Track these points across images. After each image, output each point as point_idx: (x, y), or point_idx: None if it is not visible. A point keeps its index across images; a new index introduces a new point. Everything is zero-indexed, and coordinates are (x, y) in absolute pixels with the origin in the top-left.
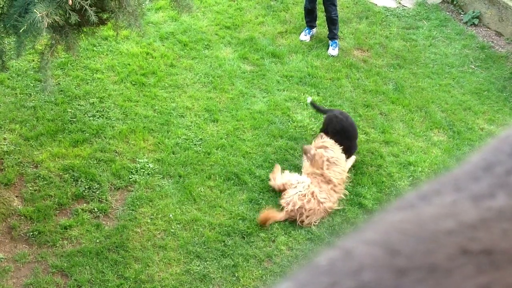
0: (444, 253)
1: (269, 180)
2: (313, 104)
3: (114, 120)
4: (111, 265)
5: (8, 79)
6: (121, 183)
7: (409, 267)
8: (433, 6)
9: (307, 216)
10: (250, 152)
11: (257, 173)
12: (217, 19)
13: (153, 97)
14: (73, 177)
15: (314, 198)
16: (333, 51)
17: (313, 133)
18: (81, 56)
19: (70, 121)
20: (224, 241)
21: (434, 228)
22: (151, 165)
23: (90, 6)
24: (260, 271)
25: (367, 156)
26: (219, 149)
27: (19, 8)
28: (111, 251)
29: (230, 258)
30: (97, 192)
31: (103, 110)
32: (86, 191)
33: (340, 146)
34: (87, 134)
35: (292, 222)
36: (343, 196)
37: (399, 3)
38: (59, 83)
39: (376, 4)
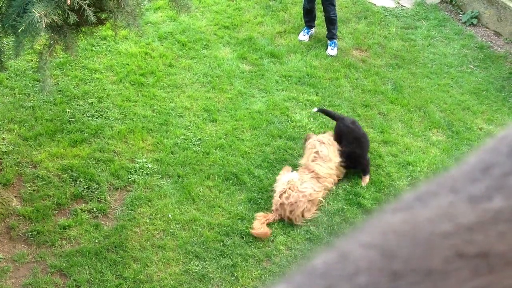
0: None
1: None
2: (322, 110)
3: (113, 120)
4: (110, 265)
5: (7, 79)
6: (120, 183)
7: (405, 270)
8: (432, 6)
9: (290, 211)
10: (249, 152)
11: (256, 173)
12: (216, 19)
13: (152, 97)
14: (72, 177)
15: (294, 191)
16: (331, 51)
17: (311, 133)
18: (80, 56)
19: (69, 121)
20: (223, 241)
21: (430, 230)
22: (150, 165)
23: (89, 6)
24: (259, 271)
25: None
26: (218, 149)
27: (17, 8)
28: (110, 251)
29: (229, 258)
30: (96, 192)
31: (101, 110)
32: (85, 191)
33: (352, 155)
34: (85, 134)
35: (290, 221)
36: (329, 187)
37: (398, 3)
38: (57, 83)
39: (375, 4)
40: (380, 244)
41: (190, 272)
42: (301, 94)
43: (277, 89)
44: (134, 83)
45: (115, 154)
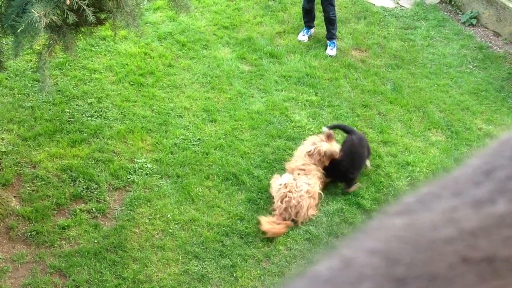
0: (444, 261)
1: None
2: (335, 126)
3: (112, 120)
4: (109, 265)
5: (6, 79)
6: (119, 183)
7: (409, 277)
8: (431, 6)
9: (296, 213)
10: (248, 152)
11: (256, 173)
12: (215, 19)
13: (151, 97)
14: (71, 177)
15: (294, 193)
16: (331, 51)
17: (311, 133)
18: (79, 56)
19: (68, 121)
20: (222, 241)
21: (434, 236)
22: (149, 165)
23: (88, 6)
24: (258, 271)
25: None
26: (217, 149)
27: (16, 8)
28: (109, 251)
29: (229, 258)
30: (95, 192)
31: (101, 110)
32: (84, 191)
33: (341, 167)
34: (85, 134)
35: (294, 222)
36: (320, 175)
37: (397, 3)
38: (57, 83)
39: (374, 4)
40: (384, 250)
41: (190, 272)
42: (300, 94)
43: (276, 89)
44: (133, 83)
45: (114, 154)
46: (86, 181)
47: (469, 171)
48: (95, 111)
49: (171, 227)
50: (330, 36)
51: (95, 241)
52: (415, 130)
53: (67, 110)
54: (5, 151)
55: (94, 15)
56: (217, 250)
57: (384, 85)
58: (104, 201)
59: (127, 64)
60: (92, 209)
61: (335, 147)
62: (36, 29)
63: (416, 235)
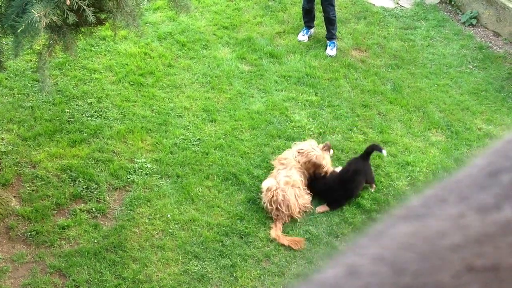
0: (450, 270)
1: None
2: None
3: (112, 120)
4: (109, 265)
5: (6, 79)
6: (119, 183)
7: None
8: (431, 7)
9: (287, 207)
10: (248, 152)
11: (255, 173)
12: (215, 19)
13: (151, 97)
14: (71, 177)
15: (278, 189)
16: (331, 51)
17: (311, 133)
18: (79, 56)
19: (68, 121)
20: (222, 241)
21: (440, 243)
22: (149, 165)
23: (88, 6)
24: (258, 271)
25: None
26: (217, 149)
27: (17, 8)
28: (109, 251)
29: (228, 258)
30: (95, 192)
31: (101, 110)
32: (84, 191)
33: (335, 185)
34: (85, 134)
35: (290, 221)
36: (298, 165)
37: (397, 3)
38: (57, 83)
39: (374, 5)
40: (389, 258)
41: (189, 272)
42: (300, 94)
43: (276, 89)
44: (133, 83)
45: (114, 154)
46: (86, 181)
47: (474, 172)
48: (95, 111)
49: (171, 227)
50: (330, 36)
51: (95, 241)
52: (415, 130)
53: (67, 110)
54: (5, 151)
55: (94, 15)
56: (217, 250)
57: (384, 85)
58: (104, 201)
59: (127, 64)
60: (92, 209)
61: (326, 160)
62: (36, 29)
63: (422, 242)
